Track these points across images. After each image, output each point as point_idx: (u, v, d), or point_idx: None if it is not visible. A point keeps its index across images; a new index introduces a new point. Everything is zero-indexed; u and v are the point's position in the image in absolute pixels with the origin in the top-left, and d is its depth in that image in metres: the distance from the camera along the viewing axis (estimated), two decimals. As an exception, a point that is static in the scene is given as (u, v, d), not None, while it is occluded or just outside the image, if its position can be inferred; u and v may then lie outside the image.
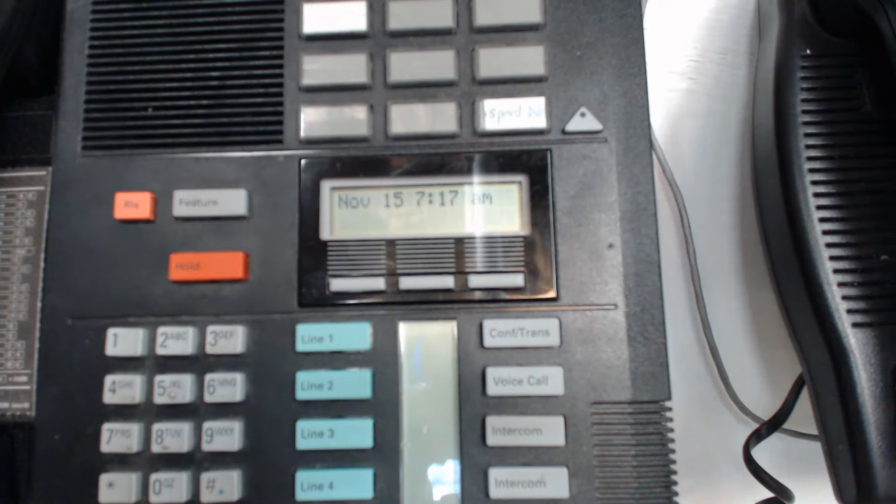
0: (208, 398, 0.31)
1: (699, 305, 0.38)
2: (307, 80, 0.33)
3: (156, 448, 0.31)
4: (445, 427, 0.31)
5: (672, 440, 0.30)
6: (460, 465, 0.30)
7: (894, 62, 0.30)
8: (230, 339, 0.31)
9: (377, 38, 0.34)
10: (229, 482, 0.30)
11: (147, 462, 0.31)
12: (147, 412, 0.31)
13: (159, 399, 0.31)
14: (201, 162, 0.33)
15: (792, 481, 0.33)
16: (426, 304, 0.32)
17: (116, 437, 0.31)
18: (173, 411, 0.31)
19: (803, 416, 0.35)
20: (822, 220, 0.31)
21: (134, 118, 0.34)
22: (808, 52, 0.33)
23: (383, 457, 0.31)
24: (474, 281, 0.32)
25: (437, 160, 0.33)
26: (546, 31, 0.33)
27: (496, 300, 0.31)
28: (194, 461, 0.31)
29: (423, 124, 0.33)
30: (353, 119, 0.33)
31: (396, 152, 0.33)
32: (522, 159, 0.32)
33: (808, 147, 0.32)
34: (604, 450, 0.30)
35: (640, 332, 0.31)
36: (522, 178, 0.32)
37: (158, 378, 0.31)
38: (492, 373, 0.31)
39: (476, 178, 0.32)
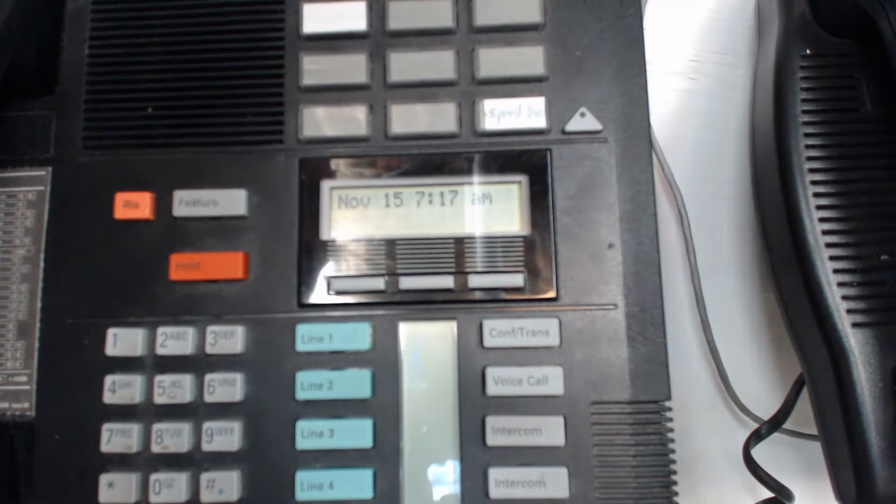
0: (208, 398, 0.31)
1: (699, 305, 0.38)
2: (307, 80, 0.33)
3: (156, 448, 0.31)
4: (445, 427, 0.31)
5: (672, 440, 0.30)
6: (460, 465, 0.30)
7: (894, 62, 0.30)
8: (230, 339, 0.31)
9: (377, 38, 0.34)
10: (229, 482, 0.30)
11: (147, 462, 0.31)
12: (147, 412, 0.31)
13: (159, 399, 0.31)
14: (201, 162, 0.33)
15: (792, 481, 0.33)
16: (426, 304, 0.32)
17: (116, 437, 0.31)
18: (173, 411, 0.31)
19: (803, 416, 0.35)
20: (822, 220, 0.31)
21: (134, 118, 0.34)
22: (808, 52, 0.33)
23: (383, 457, 0.31)
24: (474, 281, 0.32)
25: (436, 160, 0.33)
26: (546, 31, 0.33)
27: (496, 300, 0.31)
28: (194, 461, 0.31)
29: (423, 124, 0.33)
30: (352, 119, 0.33)
31: (396, 152, 0.33)
32: (522, 159, 0.32)
33: (808, 147, 0.32)
34: (603, 450, 0.30)
35: (640, 332, 0.31)
36: (522, 178, 0.32)
37: (158, 378, 0.31)
38: (492, 373, 0.31)
39: (476, 178, 0.32)
